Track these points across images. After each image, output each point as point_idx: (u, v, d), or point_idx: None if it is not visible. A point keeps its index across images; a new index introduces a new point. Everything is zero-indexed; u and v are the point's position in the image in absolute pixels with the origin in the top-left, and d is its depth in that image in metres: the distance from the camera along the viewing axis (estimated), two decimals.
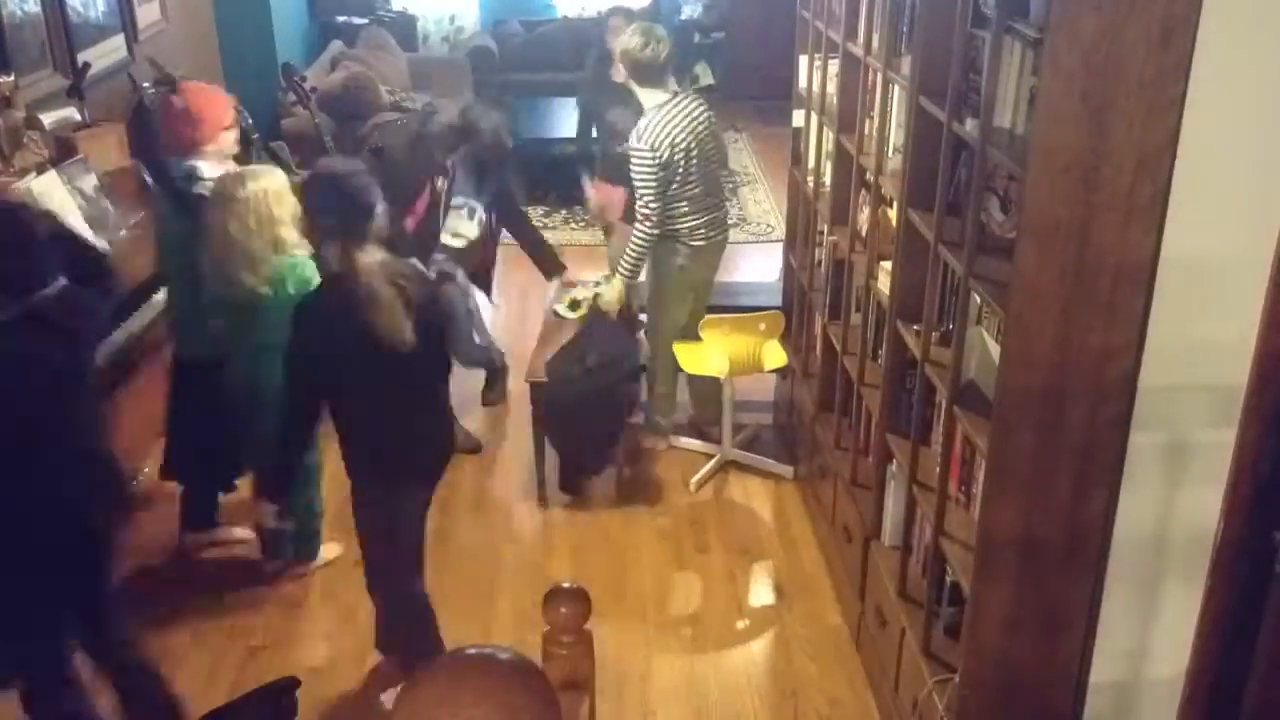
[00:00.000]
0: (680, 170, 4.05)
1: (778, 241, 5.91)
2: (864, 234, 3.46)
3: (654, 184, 4.02)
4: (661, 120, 4.02)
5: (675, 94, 4.13)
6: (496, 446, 4.64)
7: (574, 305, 4.43)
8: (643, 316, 4.61)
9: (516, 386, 5.03)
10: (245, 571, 3.79)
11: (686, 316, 4.36)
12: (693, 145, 4.07)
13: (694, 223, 4.19)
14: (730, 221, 5.39)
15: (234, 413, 3.42)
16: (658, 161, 3.98)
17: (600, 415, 4.13)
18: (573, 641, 1.79)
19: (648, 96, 4.10)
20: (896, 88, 3.05)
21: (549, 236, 6.92)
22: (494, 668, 1.31)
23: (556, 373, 4.08)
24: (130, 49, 5.45)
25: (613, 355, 4.15)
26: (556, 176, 7.57)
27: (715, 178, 4.31)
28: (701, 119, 4.13)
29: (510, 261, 5.27)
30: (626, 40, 4.09)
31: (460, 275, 4.18)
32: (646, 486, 4.33)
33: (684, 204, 4.14)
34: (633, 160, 4.06)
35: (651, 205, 4.05)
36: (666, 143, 3.99)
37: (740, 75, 9.62)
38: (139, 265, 4.20)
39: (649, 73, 4.07)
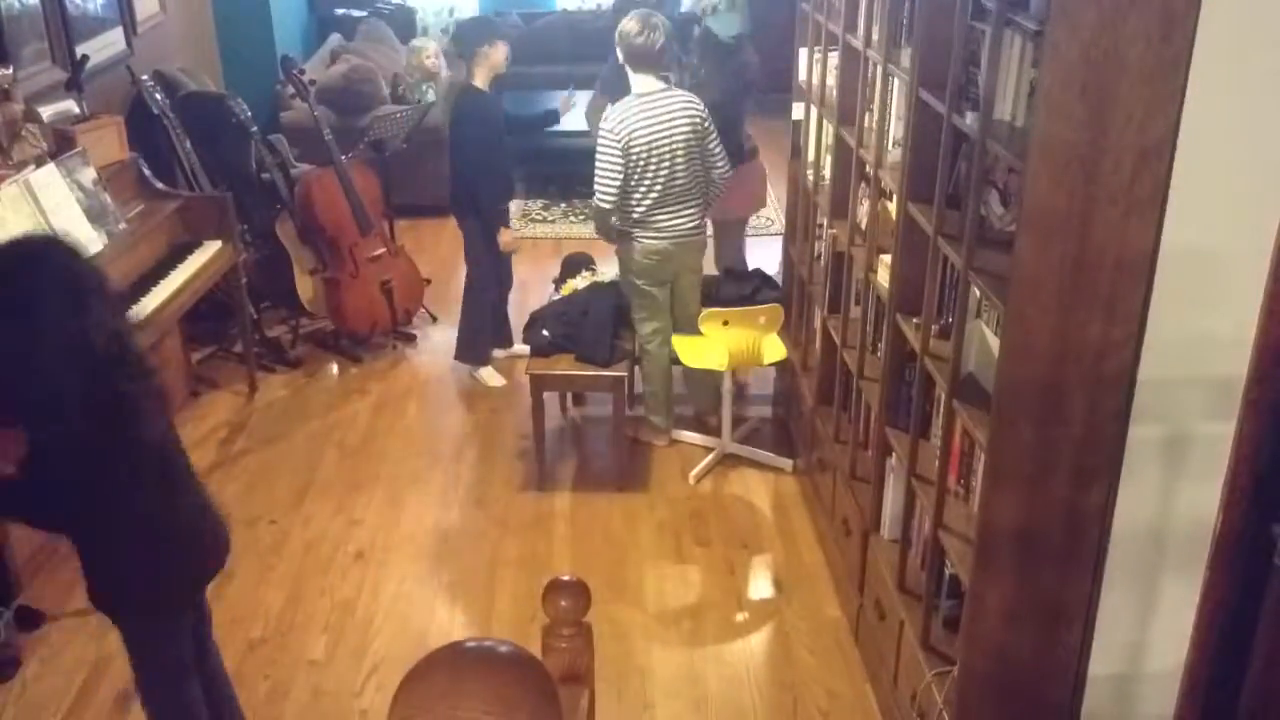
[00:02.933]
0: (639, 163, 4.03)
1: (777, 235, 5.91)
2: (864, 227, 3.46)
3: (609, 167, 4.03)
4: (635, 108, 4.02)
5: (665, 88, 4.12)
6: (496, 437, 4.64)
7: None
8: None
9: (515, 380, 5.04)
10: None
11: (663, 316, 4.34)
12: (661, 142, 4.03)
13: (648, 220, 4.16)
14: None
15: None
16: (617, 146, 3.98)
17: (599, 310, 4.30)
18: (572, 634, 1.78)
19: (637, 83, 4.10)
20: (896, 80, 3.04)
21: (548, 230, 6.98)
22: (494, 661, 1.30)
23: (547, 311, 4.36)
24: (129, 42, 5.44)
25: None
26: (555, 170, 7.57)
27: (691, 181, 4.17)
28: (682, 118, 4.06)
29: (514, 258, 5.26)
30: (624, 24, 4.10)
31: None
32: (646, 480, 4.34)
33: (636, 199, 4.11)
34: (597, 139, 4.08)
35: (606, 188, 4.06)
36: (627, 129, 3.98)
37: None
38: (139, 257, 4.21)
39: (641, 59, 4.07)
